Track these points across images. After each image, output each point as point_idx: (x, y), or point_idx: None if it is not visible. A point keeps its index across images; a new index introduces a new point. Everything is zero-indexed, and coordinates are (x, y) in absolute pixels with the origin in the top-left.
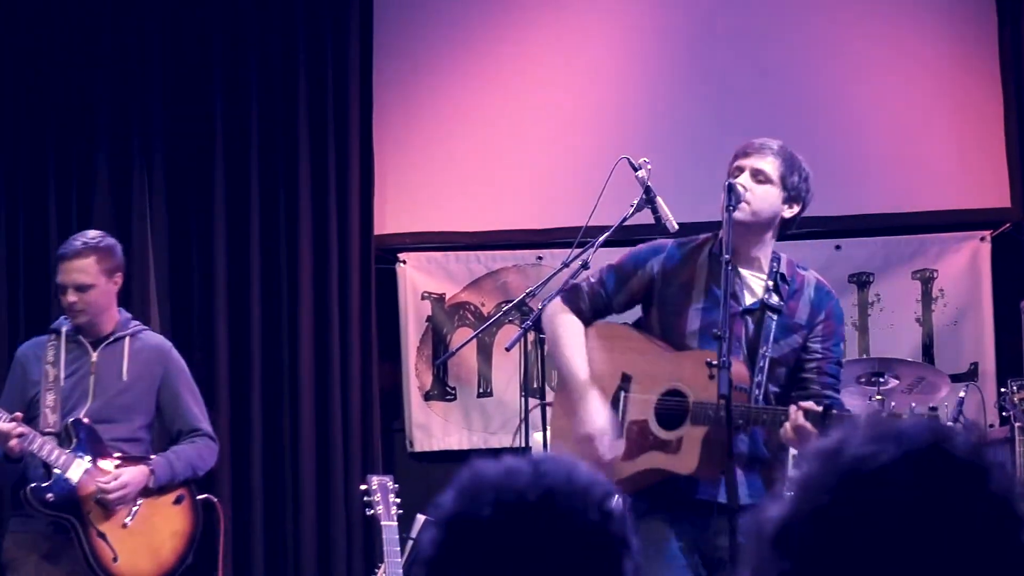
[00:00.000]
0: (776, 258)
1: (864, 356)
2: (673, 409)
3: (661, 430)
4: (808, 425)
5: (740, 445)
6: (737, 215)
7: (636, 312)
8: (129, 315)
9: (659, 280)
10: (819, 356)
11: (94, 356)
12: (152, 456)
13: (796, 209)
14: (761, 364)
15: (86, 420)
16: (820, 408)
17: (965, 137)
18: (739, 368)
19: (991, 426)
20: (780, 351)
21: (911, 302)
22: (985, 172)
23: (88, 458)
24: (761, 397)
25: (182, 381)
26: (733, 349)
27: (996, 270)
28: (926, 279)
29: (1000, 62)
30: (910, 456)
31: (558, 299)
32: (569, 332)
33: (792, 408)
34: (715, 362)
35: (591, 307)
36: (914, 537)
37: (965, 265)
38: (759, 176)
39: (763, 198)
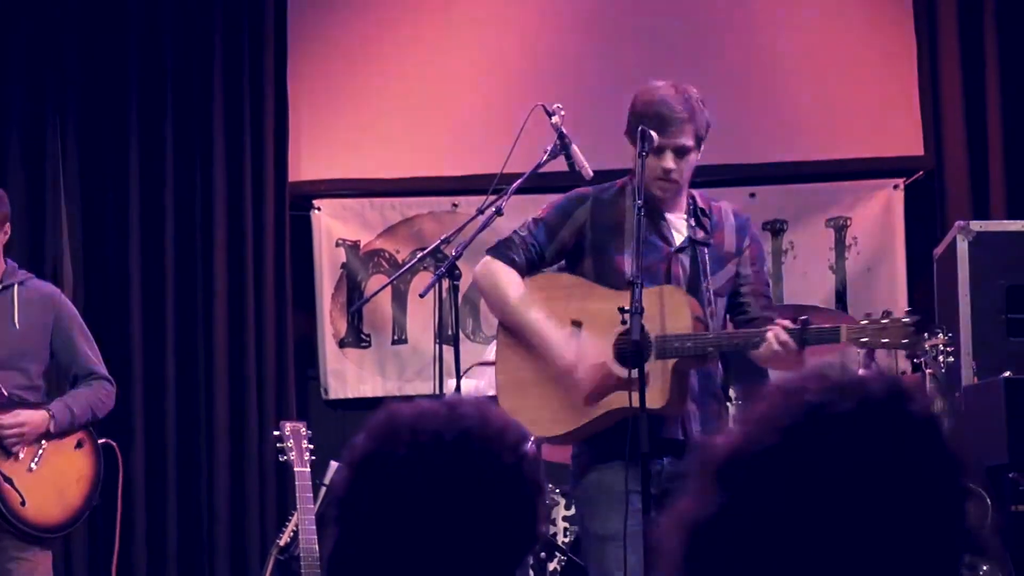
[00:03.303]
0: (691, 196)
1: (778, 304)
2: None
3: (622, 369)
4: (790, 341)
5: (691, 379)
6: (667, 196)
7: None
8: (15, 264)
9: (589, 229)
10: (751, 279)
11: None
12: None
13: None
14: (707, 297)
15: None
16: (799, 325)
17: (879, 85)
18: (694, 301)
19: (903, 373)
20: (718, 283)
21: (824, 250)
22: (898, 120)
23: None
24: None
25: (74, 326)
26: (681, 289)
27: (909, 218)
28: (839, 227)
29: (914, 8)
30: (867, 408)
31: (487, 256)
32: (511, 284)
33: (769, 328)
34: (627, 308)
35: (525, 259)
36: (858, 489)
37: (878, 213)
38: (682, 152)
39: (688, 167)
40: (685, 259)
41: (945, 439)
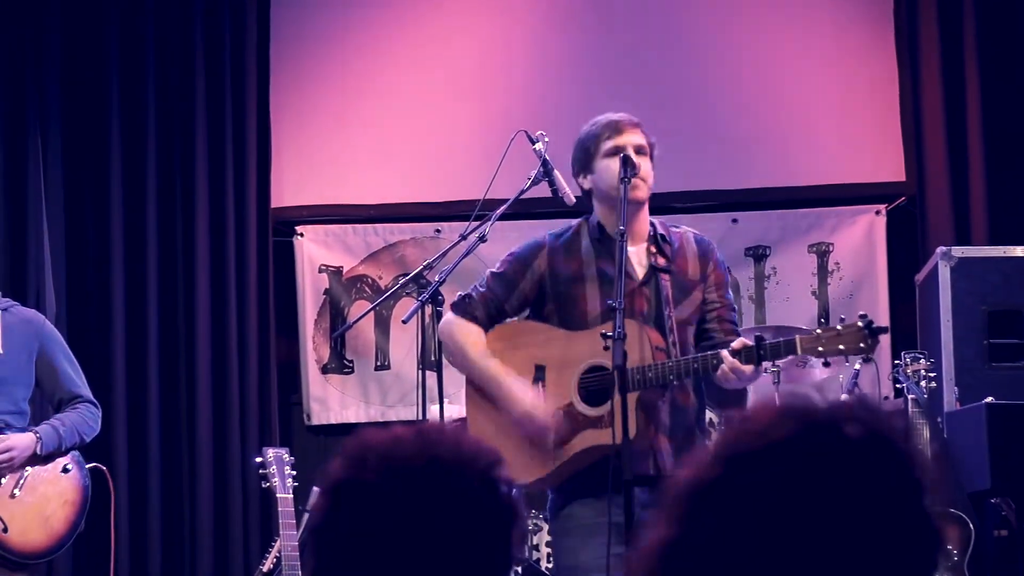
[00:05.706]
0: (652, 223)
1: (759, 327)
2: (597, 384)
3: (589, 408)
4: (738, 363)
5: (662, 414)
6: (639, 195)
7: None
8: None
9: (548, 277)
10: (717, 304)
11: None
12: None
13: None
14: (669, 325)
15: None
16: (752, 343)
17: (861, 111)
18: (652, 332)
19: (886, 398)
20: (684, 312)
21: (807, 275)
22: (880, 146)
23: None
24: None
25: (58, 350)
26: (638, 322)
27: (891, 244)
28: (822, 252)
29: (896, 36)
30: (806, 434)
31: (450, 313)
32: (469, 339)
33: (724, 352)
34: (609, 333)
35: (486, 313)
36: (800, 515)
37: (861, 239)
38: (641, 151)
39: (649, 171)
40: (648, 292)
41: (890, 460)
